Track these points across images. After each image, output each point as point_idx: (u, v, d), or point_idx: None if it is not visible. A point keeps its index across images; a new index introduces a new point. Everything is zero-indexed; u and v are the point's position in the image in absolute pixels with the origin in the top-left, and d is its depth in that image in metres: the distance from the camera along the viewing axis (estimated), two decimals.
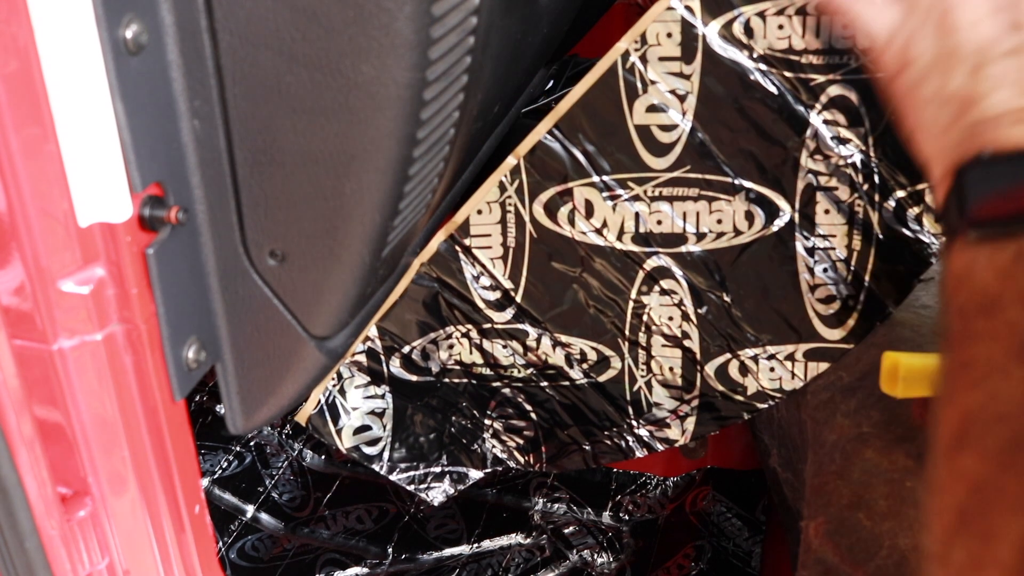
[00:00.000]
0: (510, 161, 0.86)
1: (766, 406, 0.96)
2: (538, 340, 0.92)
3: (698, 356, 0.92)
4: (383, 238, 0.66)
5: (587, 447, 0.99)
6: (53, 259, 0.53)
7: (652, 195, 0.85)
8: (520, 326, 0.91)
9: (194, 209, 0.59)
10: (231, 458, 1.57)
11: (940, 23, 0.54)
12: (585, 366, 0.94)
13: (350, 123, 0.57)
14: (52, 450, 0.59)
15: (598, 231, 0.87)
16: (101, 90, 0.49)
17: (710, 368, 0.93)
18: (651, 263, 0.88)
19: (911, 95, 0.56)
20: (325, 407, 0.94)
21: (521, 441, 0.99)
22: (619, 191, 0.85)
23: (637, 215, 0.86)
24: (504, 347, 0.93)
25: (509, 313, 0.91)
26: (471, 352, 0.93)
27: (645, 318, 0.91)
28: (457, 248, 0.88)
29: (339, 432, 0.96)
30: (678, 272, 0.89)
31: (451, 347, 0.93)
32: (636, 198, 0.85)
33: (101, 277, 0.55)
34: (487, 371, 0.94)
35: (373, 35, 0.53)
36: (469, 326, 0.92)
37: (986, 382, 0.44)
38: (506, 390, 0.96)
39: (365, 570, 1.44)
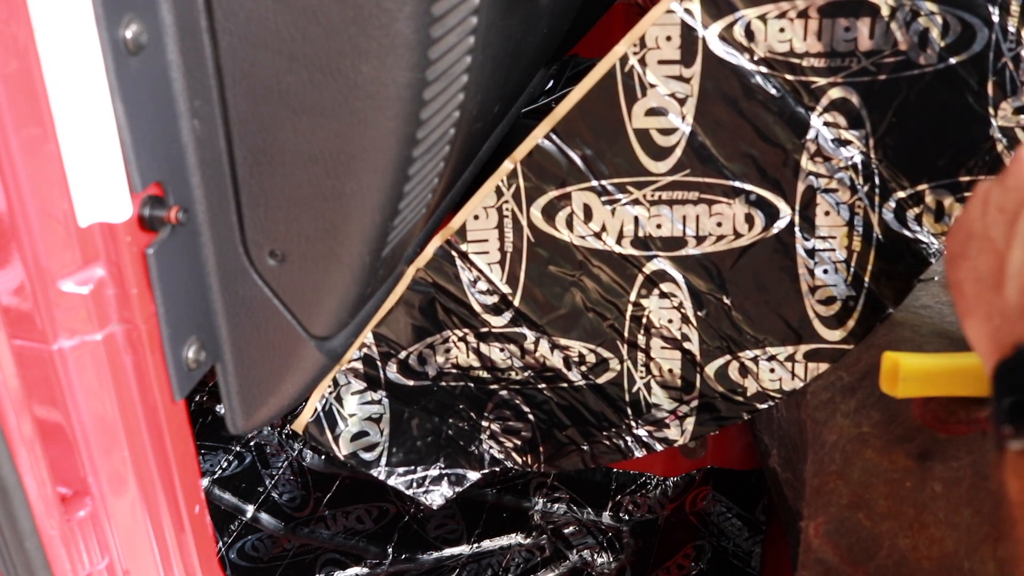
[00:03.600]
0: (507, 166, 0.86)
1: (766, 406, 0.96)
2: (536, 343, 0.92)
3: (698, 358, 0.92)
4: (383, 238, 0.65)
5: (585, 447, 0.99)
6: (53, 259, 0.53)
7: (651, 199, 0.85)
8: (518, 329, 0.91)
9: (194, 209, 0.59)
10: (231, 458, 1.57)
11: (994, 186, 0.51)
12: (584, 368, 0.94)
13: (350, 123, 0.57)
14: (52, 450, 0.59)
15: (597, 235, 0.87)
16: (101, 90, 0.49)
17: (710, 369, 0.93)
18: (651, 266, 0.88)
19: (957, 260, 0.53)
20: (322, 415, 0.94)
21: (519, 442, 0.98)
22: (618, 195, 0.85)
23: (636, 219, 0.86)
24: (501, 350, 0.92)
25: (506, 317, 0.90)
26: (468, 356, 0.93)
27: (644, 320, 0.91)
28: (454, 253, 0.88)
29: (336, 439, 0.95)
30: (678, 275, 0.88)
31: (448, 351, 0.93)
32: (635, 202, 0.85)
33: (101, 277, 0.55)
34: (484, 374, 0.94)
35: (373, 35, 0.53)
36: (466, 330, 0.92)
37: None
38: (503, 392, 0.95)
39: (365, 570, 1.44)
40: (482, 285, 0.89)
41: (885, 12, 0.76)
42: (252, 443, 1.61)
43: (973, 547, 0.77)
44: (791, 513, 1.15)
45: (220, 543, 1.45)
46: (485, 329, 0.92)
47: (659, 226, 0.86)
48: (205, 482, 1.52)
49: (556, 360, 0.93)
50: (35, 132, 0.49)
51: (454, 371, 0.94)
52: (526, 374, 0.94)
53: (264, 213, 0.62)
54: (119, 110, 0.51)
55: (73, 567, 0.64)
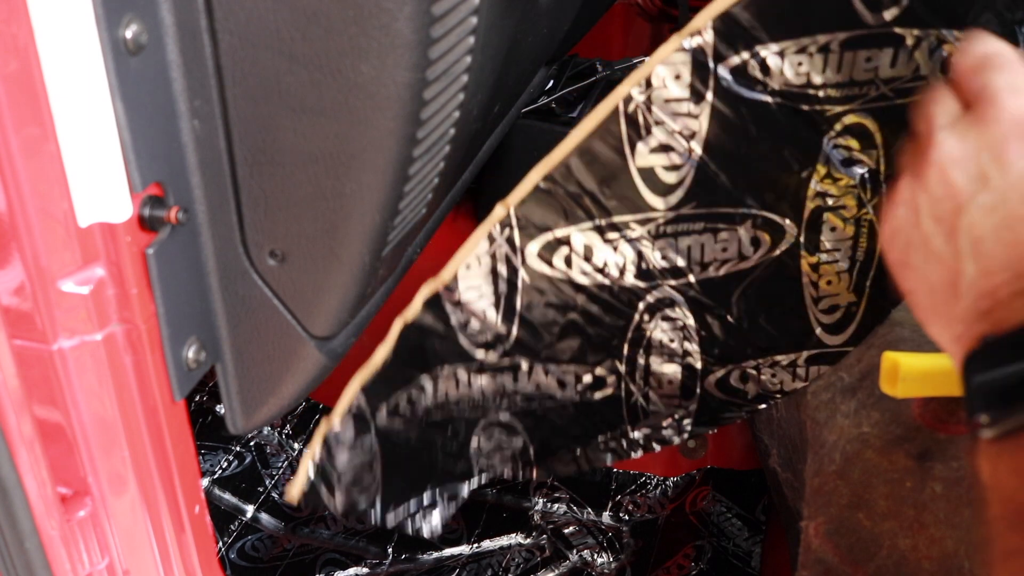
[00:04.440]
0: (499, 211, 0.79)
1: (765, 406, 0.95)
2: (531, 370, 0.88)
3: (698, 369, 0.90)
4: (383, 238, 0.66)
5: (579, 451, 0.96)
6: (53, 259, 0.53)
7: (656, 233, 0.81)
8: (512, 360, 0.88)
9: (194, 209, 0.59)
10: (231, 458, 1.57)
11: (918, 188, 0.52)
12: (579, 387, 0.91)
13: (350, 123, 0.57)
14: (52, 450, 0.59)
15: (598, 270, 0.82)
16: (101, 90, 0.49)
17: (711, 380, 0.91)
18: (654, 295, 0.84)
19: (903, 268, 0.54)
20: (315, 479, 0.90)
21: (509, 452, 0.96)
22: (621, 233, 0.81)
23: (640, 253, 0.82)
24: (495, 379, 0.89)
25: (500, 351, 0.86)
26: (459, 388, 0.89)
27: (645, 342, 0.88)
28: (445, 303, 0.83)
29: (332, 494, 0.91)
30: (681, 299, 0.86)
31: (437, 387, 0.89)
32: (639, 238, 0.81)
33: (101, 277, 0.55)
34: (477, 399, 0.90)
35: (373, 35, 0.53)
36: (459, 365, 0.88)
37: None
38: (494, 414, 0.92)
39: (365, 570, 1.44)
40: (475, 325, 0.85)
41: (910, 42, 0.72)
42: (252, 443, 1.61)
43: (973, 547, 0.77)
44: (791, 513, 1.15)
45: (220, 543, 1.45)
46: (477, 363, 0.88)
47: (663, 258, 0.83)
48: (205, 482, 1.52)
49: (551, 382, 0.90)
50: (35, 132, 0.50)
51: (444, 402, 0.90)
52: (518, 397, 0.91)
53: (264, 213, 0.62)
54: (119, 110, 0.51)
55: (73, 567, 0.64)
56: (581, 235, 0.80)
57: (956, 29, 0.72)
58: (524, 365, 0.88)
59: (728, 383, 0.92)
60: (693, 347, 0.88)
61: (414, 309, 0.82)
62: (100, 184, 0.52)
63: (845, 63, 0.73)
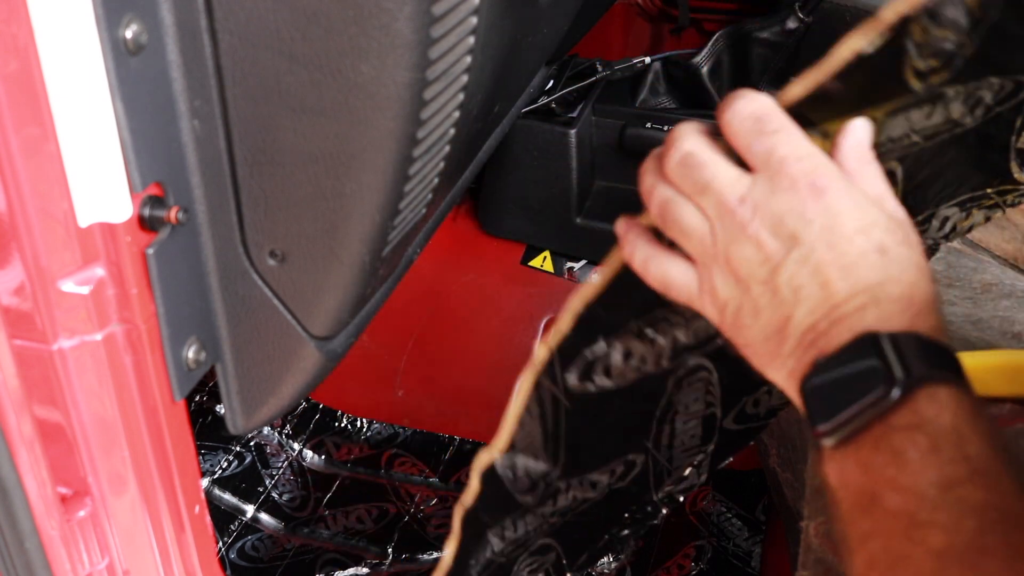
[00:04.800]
0: (541, 355, 0.77)
1: (773, 418, 0.95)
2: (568, 488, 0.88)
3: (719, 415, 0.89)
4: (383, 238, 0.66)
5: (607, 537, 0.95)
6: (53, 259, 0.53)
7: (691, 315, 0.80)
8: (552, 487, 0.86)
9: (194, 209, 0.59)
10: (231, 458, 1.57)
11: (726, 265, 0.59)
12: (611, 479, 0.89)
13: (350, 123, 0.57)
14: (52, 450, 0.59)
15: (636, 368, 0.80)
16: (101, 90, 0.49)
17: (729, 418, 0.90)
18: (683, 368, 0.83)
19: (737, 329, 0.60)
20: None
21: (545, 570, 0.94)
22: (657, 326, 0.79)
23: (675, 338, 0.80)
24: (535, 516, 0.88)
25: (544, 485, 0.85)
26: (504, 539, 0.88)
27: (671, 413, 0.87)
28: (498, 467, 0.81)
29: None
30: (707, 362, 0.85)
31: (486, 550, 0.88)
32: (676, 324, 0.81)
33: (101, 277, 0.55)
34: (521, 540, 0.90)
35: (373, 35, 0.53)
36: (507, 519, 0.87)
37: (892, 574, 0.48)
38: (534, 542, 0.91)
39: (365, 570, 1.44)
40: (523, 475, 0.84)
41: (950, 94, 0.72)
42: (252, 443, 1.61)
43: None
44: (791, 513, 1.15)
45: (220, 543, 1.45)
46: (523, 508, 0.86)
47: (695, 334, 0.83)
48: (205, 482, 1.52)
49: (586, 490, 0.88)
50: (35, 132, 0.50)
51: (490, 560, 0.89)
52: (555, 517, 0.90)
53: (264, 213, 0.62)
54: (119, 110, 0.51)
55: (73, 567, 0.64)
56: (620, 343, 0.78)
57: (995, 76, 0.71)
58: (563, 486, 0.87)
59: (744, 412, 0.91)
60: (715, 399, 0.87)
61: (472, 491, 0.81)
62: (100, 184, 0.52)
63: (886, 128, 0.72)
